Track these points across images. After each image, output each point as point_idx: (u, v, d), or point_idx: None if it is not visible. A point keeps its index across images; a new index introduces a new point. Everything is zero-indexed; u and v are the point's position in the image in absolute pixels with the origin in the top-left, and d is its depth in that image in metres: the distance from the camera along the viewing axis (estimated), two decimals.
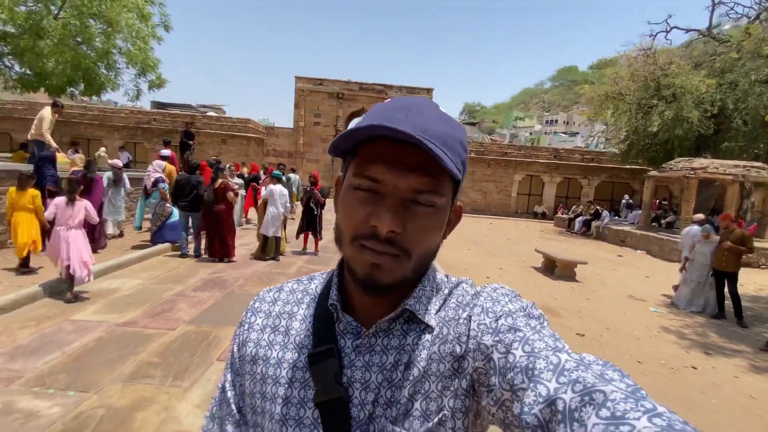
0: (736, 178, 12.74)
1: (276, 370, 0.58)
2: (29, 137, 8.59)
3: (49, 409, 2.59)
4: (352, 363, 0.56)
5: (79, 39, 9.24)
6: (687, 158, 13.52)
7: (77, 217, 4.59)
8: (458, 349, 0.53)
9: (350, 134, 0.50)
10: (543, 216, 22.05)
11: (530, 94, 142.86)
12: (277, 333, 0.62)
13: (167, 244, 6.95)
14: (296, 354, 0.59)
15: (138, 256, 6.28)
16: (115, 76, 11.22)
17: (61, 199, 4.63)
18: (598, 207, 16.81)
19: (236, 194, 6.79)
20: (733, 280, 6.45)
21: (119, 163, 7.25)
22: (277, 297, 0.66)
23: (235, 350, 0.64)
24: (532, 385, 0.42)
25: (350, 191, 0.53)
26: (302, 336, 0.60)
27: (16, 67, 10.27)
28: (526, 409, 0.41)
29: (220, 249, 6.82)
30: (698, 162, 13.05)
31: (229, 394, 0.63)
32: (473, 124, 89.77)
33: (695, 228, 7.38)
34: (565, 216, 18.68)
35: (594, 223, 15.97)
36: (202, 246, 7.09)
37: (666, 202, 19.20)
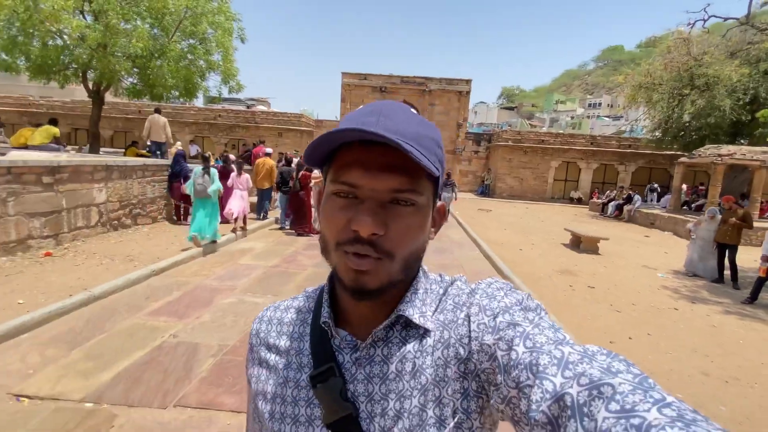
0: (763, 164, 13.50)
1: (283, 389, 0.60)
2: (160, 140, 11.15)
3: (264, 302, 4.62)
4: (353, 377, 0.56)
5: (188, 58, 11.51)
6: (715, 145, 14.31)
7: (243, 183, 7.76)
8: (462, 351, 0.54)
9: (322, 141, 0.51)
10: (579, 201, 23.00)
11: (572, 76, 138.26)
12: (279, 353, 0.63)
13: (270, 220, 9.15)
14: (299, 373, 0.60)
15: (253, 228, 8.51)
16: (204, 82, 13.55)
17: (234, 173, 7.91)
18: (630, 192, 17.78)
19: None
20: (734, 250, 7.78)
21: (232, 157, 9.45)
22: (273, 316, 0.67)
23: (248, 376, 0.67)
24: (537, 381, 0.42)
25: (329, 199, 0.54)
26: (301, 355, 0.61)
27: (127, 80, 12.75)
28: (533, 406, 0.41)
29: (304, 226, 8.79)
30: (726, 149, 13.85)
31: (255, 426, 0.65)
32: (511, 108, 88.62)
33: None
34: (599, 201, 19.69)
35: (626, 207, 17.01)
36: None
37: (702, 187, 19.73)
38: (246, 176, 8.03)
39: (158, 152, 11.55)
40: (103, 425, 2.53)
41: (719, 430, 0.32)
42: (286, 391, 0.59)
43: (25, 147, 9.12)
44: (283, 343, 0.63)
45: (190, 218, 7.13)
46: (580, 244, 10.10)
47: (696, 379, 3.93)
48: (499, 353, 0.48)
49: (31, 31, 9.91)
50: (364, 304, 0.56)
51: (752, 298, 6.67)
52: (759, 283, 6.64)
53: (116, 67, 10.35)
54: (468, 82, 24.98)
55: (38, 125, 10.02)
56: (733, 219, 7.64)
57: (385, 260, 0.52)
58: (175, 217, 8.95)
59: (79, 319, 3.97)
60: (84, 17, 10.61)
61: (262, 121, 24.53)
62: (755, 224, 10.25)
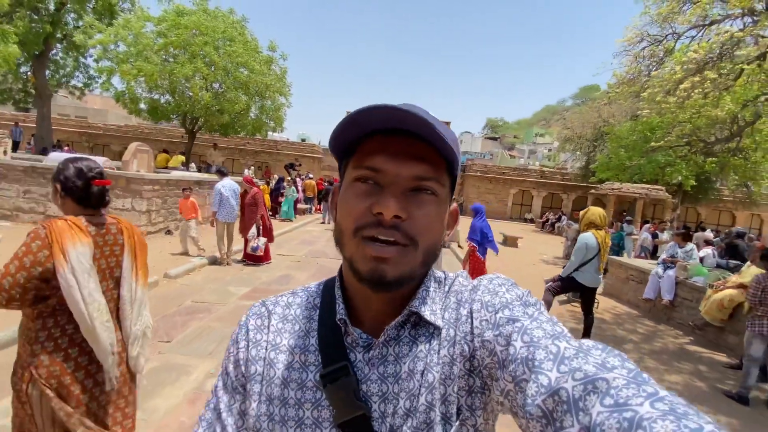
0: (640, 196, 19.93)
1: (283, 391, 0.58)
2: (211, 164, 17.03)
3: None
4: (367, 377, 0.56)
5: (257, 113, 17.68)
6: (610, 181, 20.80)
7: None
8: (467, 349, 0.55)
9: (350, 123, 0.51)
10: (531, 221, 29.34)
11: (552, 111, 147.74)
12: (278, 351, 0.60)
13: (314, 216, 15.13)
14: (303, 373, 0.58)
15: (307, 221, 14.48)
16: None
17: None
18: (561, 213, 24.18)
19: None
20: None
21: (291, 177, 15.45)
22: (272, 311, 0.65)
23: (231, 369, 0.62)
24: (533, 376, 0.43)
25: (350, 185, 0.55)
26: (306, 353, 0.59)
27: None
28: (529, 400, 0.42)
29: None
30: (617, 185, 20.28)
31: (228, 419, 0.60)
32: (495, 138, 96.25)
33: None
34: (540, 220, 26.09)
35: (557, 224, 23.30)
36: None
37: (625, 213, 26.25)
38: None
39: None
40: (312, 263, 8.41)
41: (710, 423, 0.32)
42: (288, 392, 0.57)
43: (166, 167, 14.90)
44: (286, 340, 0.61)
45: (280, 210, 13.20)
46: (506, 241, 16.15)
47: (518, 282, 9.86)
48: (498, 348, 0.49)
49: (164, 93, 15.89)
50: (378, 298, 0.56)
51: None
52: None
53: (217, 120, 16.33)
54: (448, 124, 31.45)
55: (166, 151, 15.89)
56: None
57: (410, 248, 0.52)
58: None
59: (288, 236, 9.92)
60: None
61: (282, 149, 30.57)
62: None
